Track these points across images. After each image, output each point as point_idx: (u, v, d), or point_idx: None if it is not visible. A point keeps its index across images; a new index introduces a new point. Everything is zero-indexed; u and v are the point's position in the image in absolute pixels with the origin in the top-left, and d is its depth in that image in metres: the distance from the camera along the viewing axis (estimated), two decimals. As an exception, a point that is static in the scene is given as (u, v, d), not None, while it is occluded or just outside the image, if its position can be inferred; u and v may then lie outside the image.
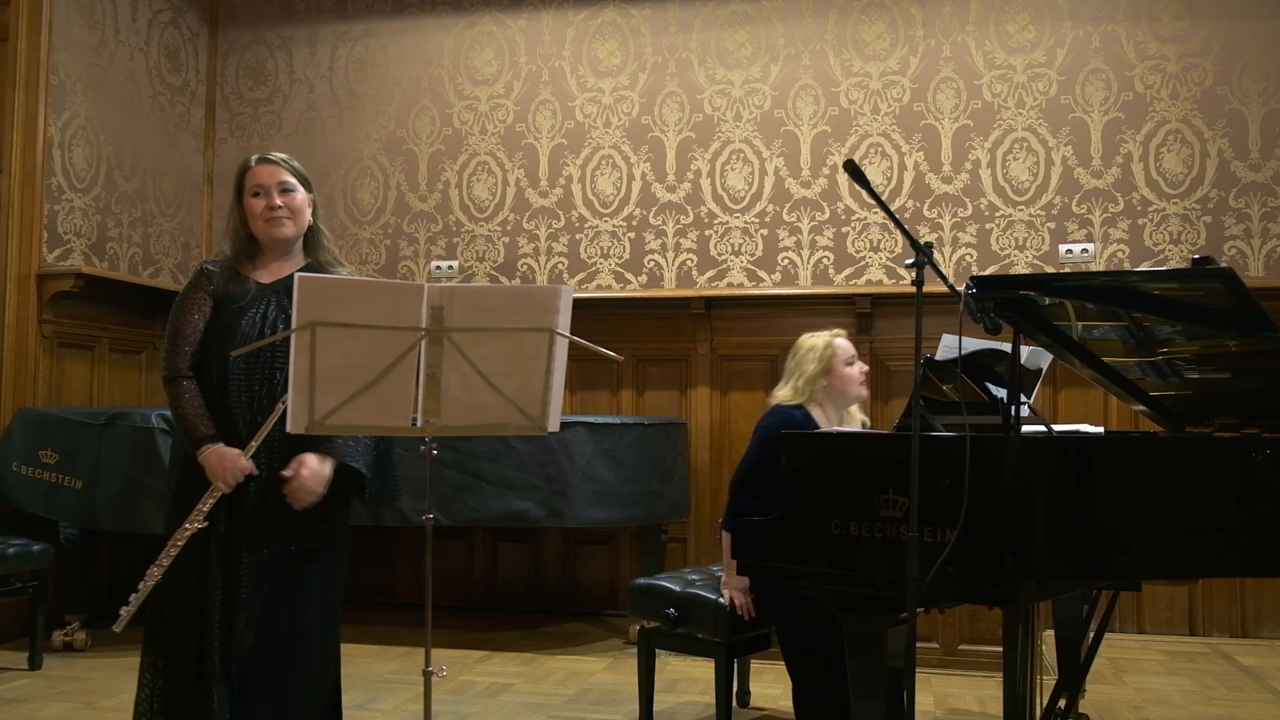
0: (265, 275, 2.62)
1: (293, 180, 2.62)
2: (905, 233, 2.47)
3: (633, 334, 5.60)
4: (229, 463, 2.42)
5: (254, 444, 2.43)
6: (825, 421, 3.33)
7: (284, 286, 2.55)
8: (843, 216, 5.57)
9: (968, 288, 2.43)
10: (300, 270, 2.53)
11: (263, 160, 2.64)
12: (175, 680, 2.48)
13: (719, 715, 3.30)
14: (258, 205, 2.58)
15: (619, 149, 5.83)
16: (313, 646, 2.55)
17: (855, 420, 3.53)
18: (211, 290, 2.57)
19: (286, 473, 2.45)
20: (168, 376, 2.53)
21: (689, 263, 5.73)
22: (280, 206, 2.58)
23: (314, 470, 2.46)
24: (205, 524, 2.41)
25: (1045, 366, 3.42)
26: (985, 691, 4.03)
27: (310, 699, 2.56)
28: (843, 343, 3.38)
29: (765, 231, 5.65)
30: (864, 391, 3.39)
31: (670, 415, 5.51)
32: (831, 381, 3.31)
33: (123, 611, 2.40)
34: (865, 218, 5.55)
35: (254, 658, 2.47)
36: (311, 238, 2.68)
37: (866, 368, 3.44)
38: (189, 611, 2.46)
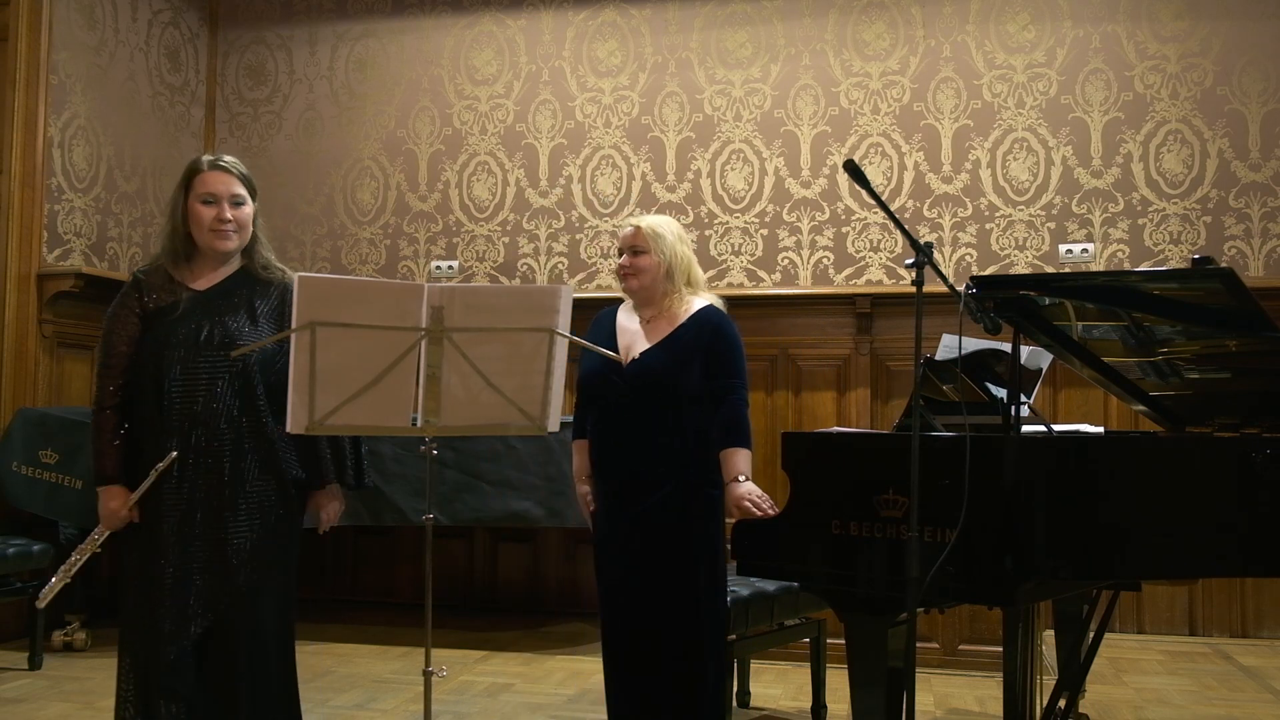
0: (200, 281, 2.60)
1: (244, 192, 2.58)
2: (905, 233, 2.47)
3: (633, 334, 5.59)
4: (115, 509, 2.57)
5: (143, 488, 2.51)
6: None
7: (220, 291, 2.58)
8: (843, 216, 5.57)
9: (968, 288, 2.43)
10: (234, 273, 2.61)
11: (216, 166, 2.57)
12: (146, 672, 2.52)
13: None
14: (206, 214, 2.54)
15: (619, 149, 5.83)
16: (269, 639, 2.58)
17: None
18: (141, 306, 2.57)
19: (323, 525, 2.69)
20: (95, 406, 2.62)
21: (689, 263, 5.72)
22: (229, 220, 2.54)
23: (334, 512, 2.70)
24: (100, 550, 2.61)
25: (1045, 366, 3.42)
26: (985, 691, 4.03)
27: (267, 694, 2.57)
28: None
29: (765, 231, 5.65)
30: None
31: (670, 415, 5.50)
32: None
33: (44, 592, 2.70)
34: (865, 218, 5.54)
35: (210, 653, 2.51)
36: (249, 244, 2.64)
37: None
38: (144, 600, 2.56)
